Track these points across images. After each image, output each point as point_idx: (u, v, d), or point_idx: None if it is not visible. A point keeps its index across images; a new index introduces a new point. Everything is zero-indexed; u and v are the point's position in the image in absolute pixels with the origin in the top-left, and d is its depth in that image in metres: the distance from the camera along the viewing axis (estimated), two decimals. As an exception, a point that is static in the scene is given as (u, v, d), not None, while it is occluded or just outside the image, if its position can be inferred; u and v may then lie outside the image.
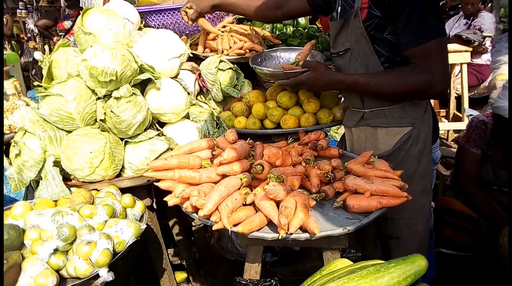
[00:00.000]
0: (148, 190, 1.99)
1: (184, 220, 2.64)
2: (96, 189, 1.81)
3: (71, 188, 1.78)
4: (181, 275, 2.73)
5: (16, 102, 2.06)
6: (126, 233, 1.49)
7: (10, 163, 1.78)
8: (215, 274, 2.83)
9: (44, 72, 1.85)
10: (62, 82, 1.77)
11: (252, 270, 1.62)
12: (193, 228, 2.71)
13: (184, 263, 2.66)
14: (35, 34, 5.58)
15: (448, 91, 4.88)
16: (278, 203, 1.38)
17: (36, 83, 1.82)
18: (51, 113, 1.76)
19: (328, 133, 3.67)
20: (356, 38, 1.74)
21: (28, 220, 1.47)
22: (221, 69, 2.38)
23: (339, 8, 1.84)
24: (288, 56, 2.31)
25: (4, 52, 2.16)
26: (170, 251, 2.71)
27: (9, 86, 2.07)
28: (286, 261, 2.93)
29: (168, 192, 1.57)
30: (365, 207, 1.46)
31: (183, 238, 2.61)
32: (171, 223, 2.57)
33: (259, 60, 2.28)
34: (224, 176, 1.54)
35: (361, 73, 1.77)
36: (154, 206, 2.07)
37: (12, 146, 1.78)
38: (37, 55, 4.97)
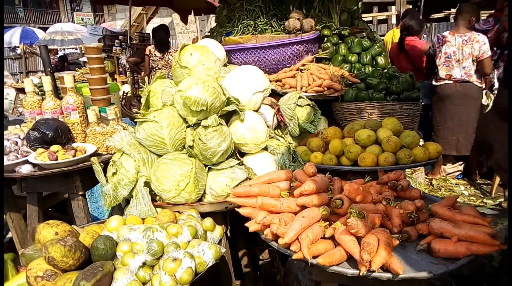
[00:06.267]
0: (223, 217, 2.06)
1: (252, 253, 2.66)
2: (178, 211, 1.92)
3: (156, 209, 1.91)
4: (246, 307, 2.72)
5: (115, 126, 2.29)
6: (207, 254, 1.55)
7: (107, 181, 1.96)
8: (279, 309, 2.78)
9: (143, 100, 2.05)
10: (158, 110, 1.94)
11: (324, 308, 1.59)
12: (260, 262, 2.71)
13: (249, 296, 2.65)
14: (126, 68, 6.18)
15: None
16: (358, 240, 1.37)
17: (135, 110, 2.01)
18: (146, 138, 1.93)
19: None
20: None
21: (121, 233, 1.59)
22: (299, 105, 2.46)
23: None
24: None
25: (109, 82, 2.46)
26: (237, 282, 2.72)
27: (110, 112, 2.32)
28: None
29: (243, 221, 1.61)
30: (452, 252, 1.39)
31: (251, 270, 2.62)
32: (240, 254, 2.60)
33: None
34: (303, 207, 1.57)
35: None
36: (228, 233, 2.13)
37: (110, 165, 1.97)
38: (126, 87, 5.47)
